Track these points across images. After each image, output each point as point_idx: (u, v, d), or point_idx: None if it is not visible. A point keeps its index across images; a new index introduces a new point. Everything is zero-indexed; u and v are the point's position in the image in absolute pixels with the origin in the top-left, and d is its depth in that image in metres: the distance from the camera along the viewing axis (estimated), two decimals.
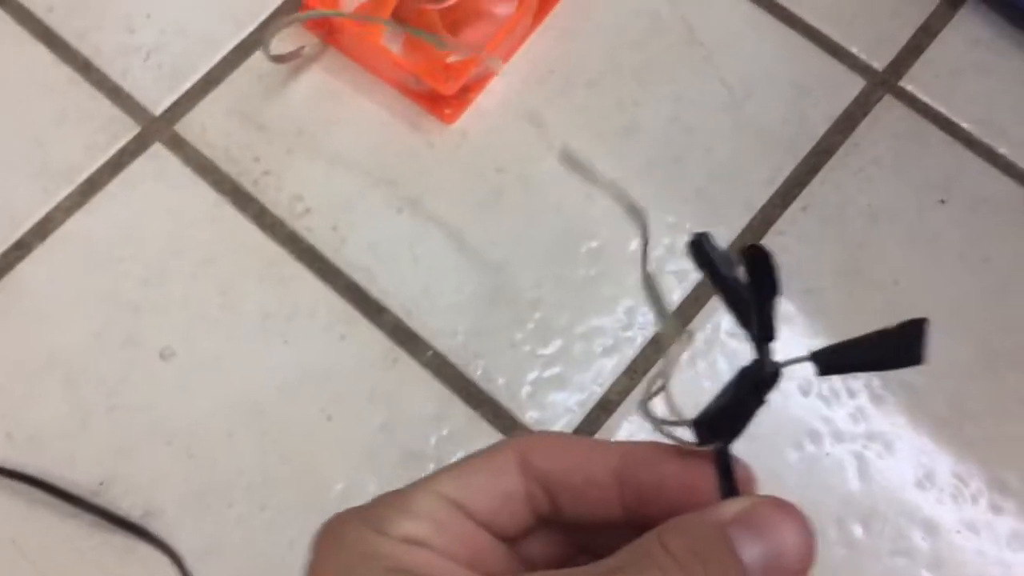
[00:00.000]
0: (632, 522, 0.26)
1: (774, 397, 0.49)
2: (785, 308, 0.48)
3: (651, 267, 0.49)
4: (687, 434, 0.26)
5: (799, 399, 0.46)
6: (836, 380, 0.46)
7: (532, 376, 0.47)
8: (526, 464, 0.27)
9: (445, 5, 0.50)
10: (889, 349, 0.24)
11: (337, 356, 0.47)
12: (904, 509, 0.45)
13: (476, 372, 0.47)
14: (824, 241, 0.49)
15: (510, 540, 0.27)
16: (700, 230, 0.24)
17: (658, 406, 0.26)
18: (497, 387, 0.47)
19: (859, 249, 0.49)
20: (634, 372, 0.47)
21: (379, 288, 0.48)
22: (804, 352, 0.25)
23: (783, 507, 0.25)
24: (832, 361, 0.24)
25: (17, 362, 0.47)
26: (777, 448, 0.46)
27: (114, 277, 0.48)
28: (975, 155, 0.51)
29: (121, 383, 0.47)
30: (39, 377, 0.46)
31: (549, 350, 0.47)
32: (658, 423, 0.26)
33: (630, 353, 0.47)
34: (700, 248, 0.24)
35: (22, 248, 0.49)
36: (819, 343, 0.50)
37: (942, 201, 0.50)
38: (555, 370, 0.47)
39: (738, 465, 0.26)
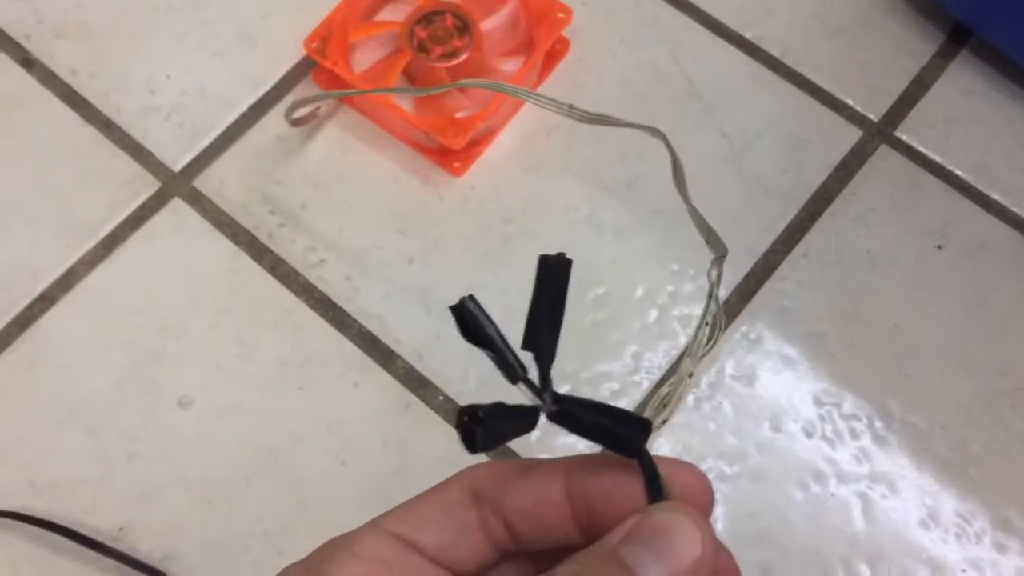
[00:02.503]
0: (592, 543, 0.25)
1: (778, 437, 0.50)
2: (788, 352, 0.49)
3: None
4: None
5: (803, 440, 0.47)
6: (839, 421, 0.47)
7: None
8: (477, 494, 0.26)
9: (453, 64, 0.52)
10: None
11: (351, 403, 0.48)
12: (909, 549, 0.45)
13: None
14: (825, 286, 0.50)
15: None
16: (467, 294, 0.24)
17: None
18: None
19: (859, 294, 0.50)
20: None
21: (391, 336, 0.49)
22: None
23: (675, 510, 0.24)
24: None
25: (41, 411, 0.48)
26: (783, 489, 0.46)
27: (134, 328, 0.50)
28: (970, 201, 0.52)
29: (141, 431, 0.48)
30: (62, 426, 0.48)
31: None
32: None
33: (637, 396, 0.48)
34: (465, 310, 0.24)
35: (46, 301, 0.50)
36: (822, 387, 0.51)
37: (939, 247, 0.51)
38: None
39: (668, 463, 0.25)
